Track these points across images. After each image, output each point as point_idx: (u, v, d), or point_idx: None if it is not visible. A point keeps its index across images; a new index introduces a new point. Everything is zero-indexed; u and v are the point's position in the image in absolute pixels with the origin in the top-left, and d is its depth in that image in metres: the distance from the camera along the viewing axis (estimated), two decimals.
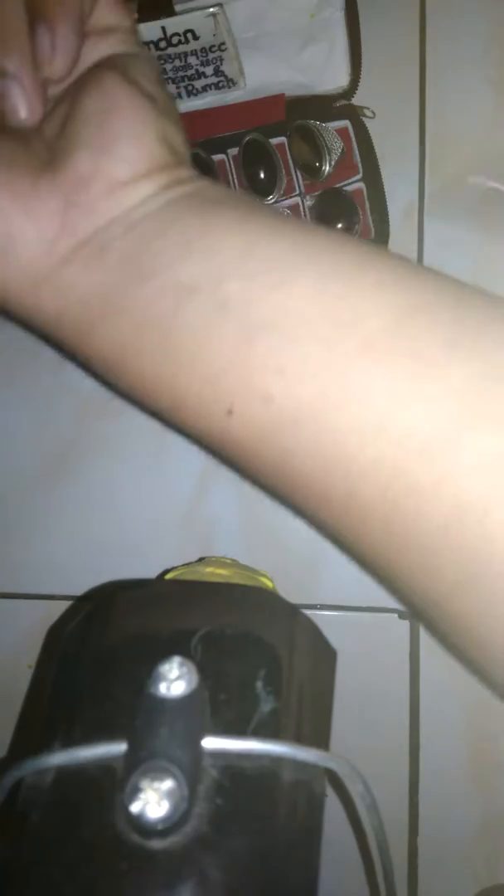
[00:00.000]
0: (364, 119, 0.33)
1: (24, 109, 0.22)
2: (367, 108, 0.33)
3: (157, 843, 0.15)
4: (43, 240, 0.21)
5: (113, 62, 0.23)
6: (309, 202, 0.33)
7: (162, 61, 0.31)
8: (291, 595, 0.24)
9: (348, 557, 0.31)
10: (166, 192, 0.21)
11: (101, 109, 0.22)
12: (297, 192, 0.33)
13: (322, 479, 0.20)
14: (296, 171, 0.33)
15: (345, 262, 0.20)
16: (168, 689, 0.16)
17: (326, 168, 0.32)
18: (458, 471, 0.18)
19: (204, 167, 0.32)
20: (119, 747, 0.16)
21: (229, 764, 0.16)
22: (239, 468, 0.23)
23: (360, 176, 0.33)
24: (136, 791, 0.15)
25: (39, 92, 0.22)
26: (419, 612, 0.22)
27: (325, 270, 0.20)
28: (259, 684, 0.18)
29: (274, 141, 0.33)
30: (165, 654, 0.17)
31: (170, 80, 0.33)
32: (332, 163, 0.32)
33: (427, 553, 0.19)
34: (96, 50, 0.23)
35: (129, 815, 0.15)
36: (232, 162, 0.33)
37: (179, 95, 0.33)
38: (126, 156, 0.21)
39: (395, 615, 0.32)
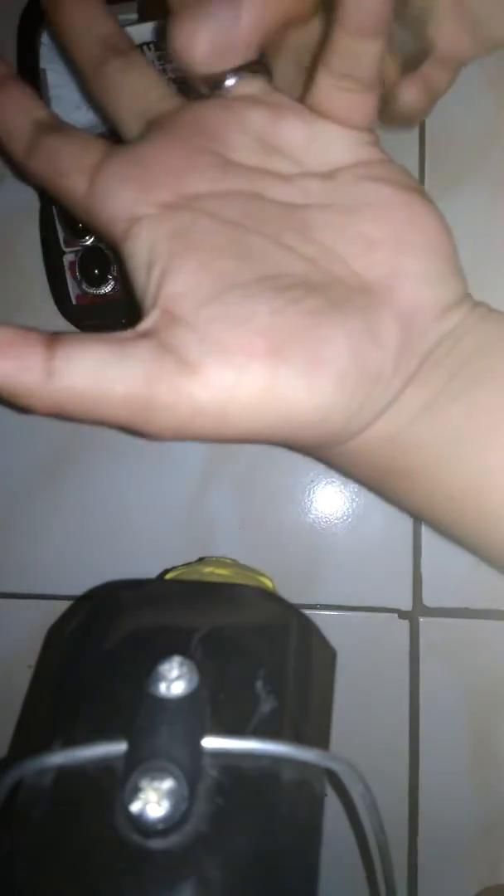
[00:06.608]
0: None
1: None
2: None
3: (157, 843, 0.15)
4: (385, 368, 0.21)
5: (374, 174, 0.23)
6: None
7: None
8: (291, 595, 0.24)
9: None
10: (476, 308, 0.22)
11: (402, 229, 0.22)
12: None
13: None
14: None
15: None
16: (168, 689, 0.16)
17: None
18: None
19: None
20: (119, 747, 0.16)
21: (229, 764, 0.16)
22: None
23: None
24: (136, 791, 0.15)
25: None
26: None
27: None
28: (259, 684, 0.18)
29: None
30: (165, 654, 0.17)
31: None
32: None
33: None
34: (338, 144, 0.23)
35: (129, 815, 0.15)
36: None
37: None
38: (449, 282, 0.22)
39: (395, 615, 0.32)
